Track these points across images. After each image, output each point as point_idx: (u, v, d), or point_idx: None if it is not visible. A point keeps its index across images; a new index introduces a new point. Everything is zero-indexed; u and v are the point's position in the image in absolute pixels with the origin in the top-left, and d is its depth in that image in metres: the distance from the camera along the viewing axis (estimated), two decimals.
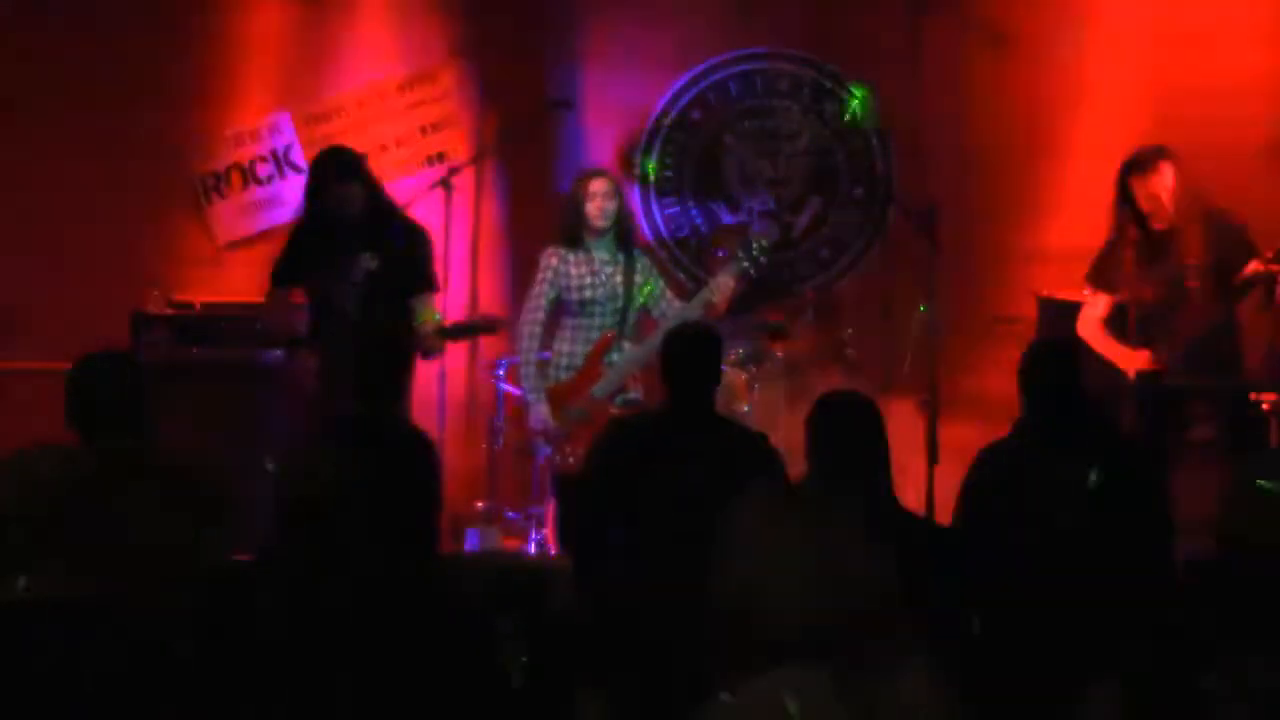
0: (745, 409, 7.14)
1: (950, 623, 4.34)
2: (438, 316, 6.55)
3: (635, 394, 6.66)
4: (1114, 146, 6.87)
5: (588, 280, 6.62)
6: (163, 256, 7.84)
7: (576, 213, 6.63)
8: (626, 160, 8.33)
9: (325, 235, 6.44)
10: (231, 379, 7.28)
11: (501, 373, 7.37)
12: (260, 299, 7.04)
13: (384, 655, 3.48)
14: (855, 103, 6.47)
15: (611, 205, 6.63)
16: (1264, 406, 6.43)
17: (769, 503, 2.61)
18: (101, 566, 3.72)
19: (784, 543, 2.51)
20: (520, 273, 7.13)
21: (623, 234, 6.69)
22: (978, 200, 7.84)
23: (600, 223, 6.61)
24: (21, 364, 7.75)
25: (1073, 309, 6.72)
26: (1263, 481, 3.40)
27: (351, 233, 6.39)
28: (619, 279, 6.64)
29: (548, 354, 6.70)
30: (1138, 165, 6.54)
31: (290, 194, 8.13)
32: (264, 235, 8.16)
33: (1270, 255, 6.32)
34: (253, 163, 8.37)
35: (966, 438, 6.00)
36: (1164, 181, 6.49)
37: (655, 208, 8.39)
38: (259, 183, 8.37)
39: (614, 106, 8.31)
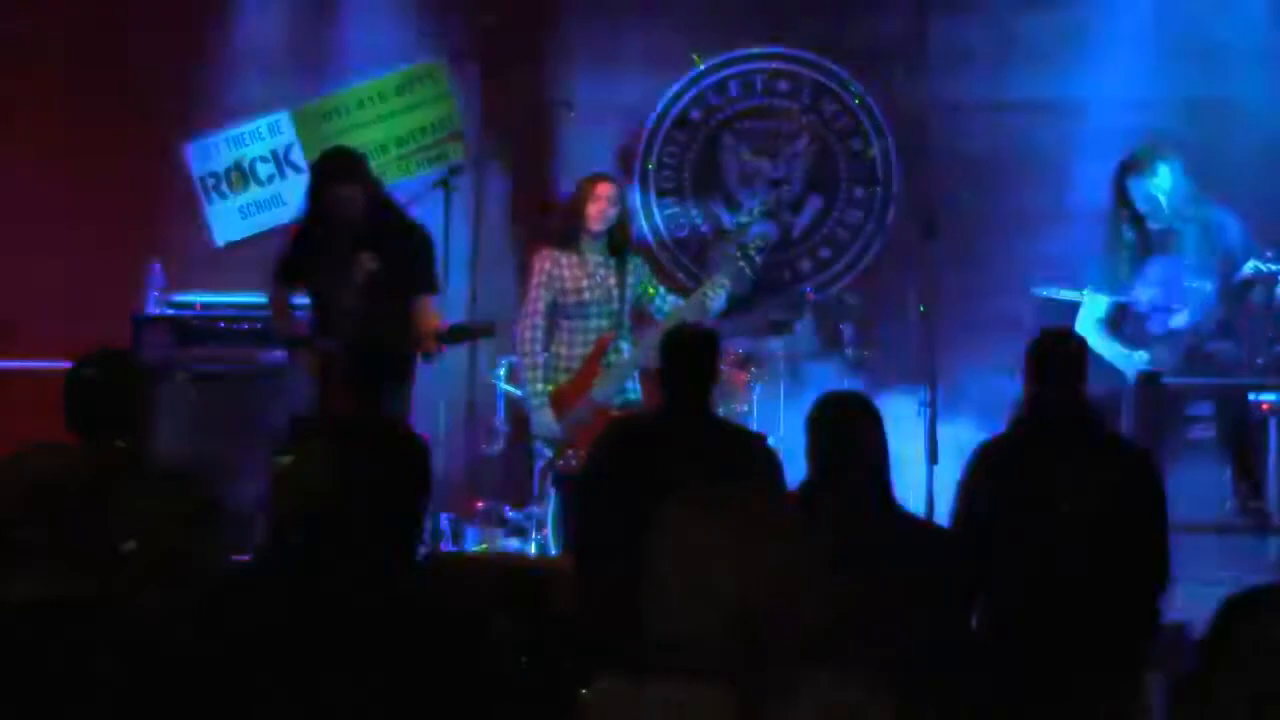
0: (745, 409, 7.14)
1: (949, 622, 4.34)
2: (438, 318, 6.55)
3: (635, 392, 6.66)
4: (1113, 148, 6.87)
5: (584, 282, 6.61)
6: (163, 256, 7.84)
7: (576, 213, 6.63)
8: (626, 160, 8.33)
9: (326, 236, 6.43)
10: (231, 379, 7.28)
11: (501, 373, 7.37)
12: (260, 299, 7.05)
13: (383, 655, 3.48)
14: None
15: (613, 211, 6.63)
16: (1264, 406, 6.44)
17: (698, 504, 2.60)
18: (99, 567, 3.72)
19: (699, 548, 2.50)
20: (520, 273, 7.13)
21: (616, 240, 6.68)
22: (978, 200, 7.83)
23: (599, 226, 6.60)
24: (21, 364, 7.75)
25: (1072, 309, 6.72)
26: None
27: (352, 233, 6.38)
28: (613, 280, 6.64)
29: (544, 354, 6.70)
30: (1135, 165, 6.55)
31: (290, 194, 8.13)
32: (264, 235, 8.16)
33: (1269, 255, 6.33)
34: (253, 163, 8.37)
35: (966, 438, 6.00)
36: (1160, 182, 6.49)
37: (655, 208, 8.39)
38: (259, 183, 8.38)
39: (614, 106, 8.31)
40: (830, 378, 7.03)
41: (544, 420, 6.57)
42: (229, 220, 8.37)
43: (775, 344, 7.49)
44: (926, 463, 6.44)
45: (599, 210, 6.60)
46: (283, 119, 8.36)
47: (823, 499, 4.38)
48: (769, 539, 2.44)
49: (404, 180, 7.97)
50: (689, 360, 4.95)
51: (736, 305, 7.13)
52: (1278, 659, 2.38)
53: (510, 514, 7.34)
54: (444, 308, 6.78)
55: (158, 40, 8.16)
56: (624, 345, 6.65)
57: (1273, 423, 6.55)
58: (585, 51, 8.27)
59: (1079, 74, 7.93)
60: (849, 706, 2.36)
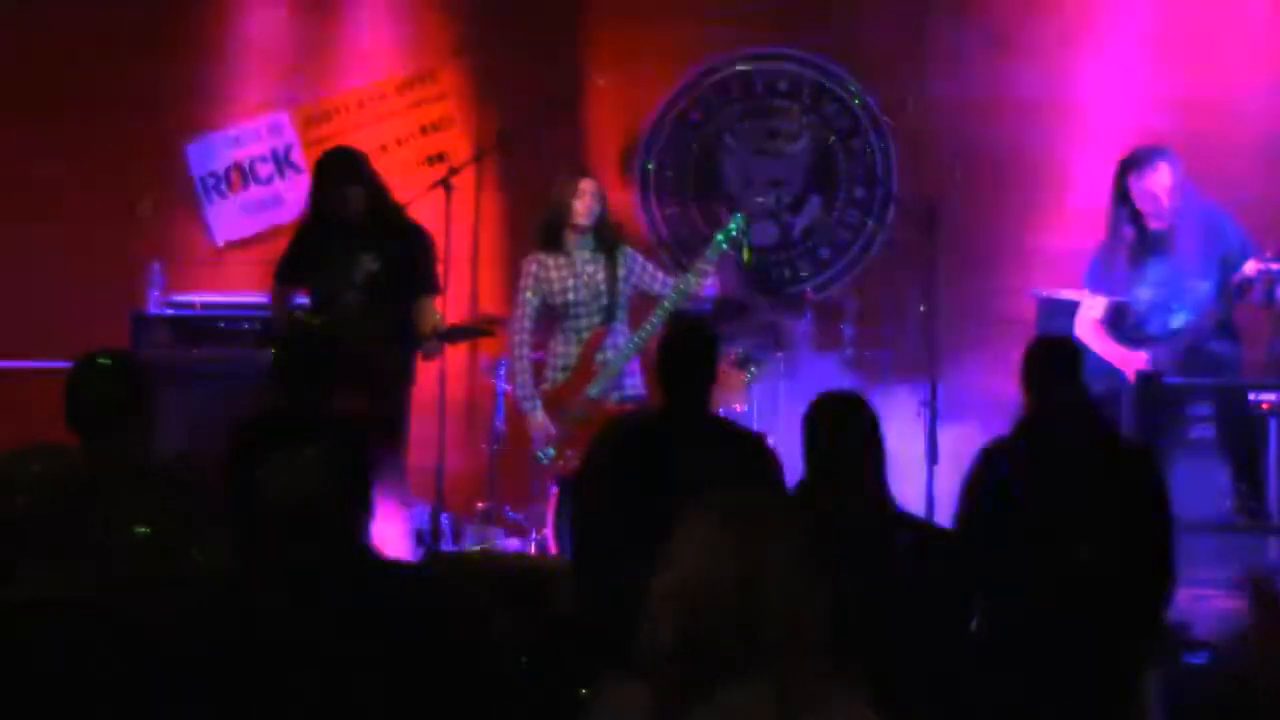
0: (743, 409, 7.14)
1: (949, 622, 4.34)
2: (438, 319, 6.55)
3: (634, 388, 6.66)
4: (1113, 147, 6.87)
5: (569, 283, 6.62)
6: (163, 256, 7.84)
7: (561, 213, 6.64)
8: (626, 160, 8.33)
9: (327, 236, 6.44)
10: (231, 379, 7.27)
11: (502, 373, 7.37)
12: (260, 299, 7.05)
13: (383, 655, 3.48)
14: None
15: (597, 207, 6.64)
16: (1264, 406, 6.44)
17: (725, 509, 2.59)
18: (97, 567, 3.71)
19: (725, 551, 2.50)
20: (520, 272, 7.13)
21: (603, 235, 6.69)
22: (978, 200, 7.83)
23: (585, 220, 6.61)
24: (21, 364, 7.76)
25: (1072, 308, 6.73)
26: None
27: (353, 234, 6.38)
28: (601, 276, 6.64)
29: (541, 354, 6.71)
30: (1135, 164, 6.55)
31: (290, 194, 8.14)
32: (264, 235, 8.16)
33: (1269, 255, 6.33)
34: (253, 163, 8.38)
35: (966, 438, 6.01)
36: (1161, 180, 6.49)
37: (655, 208, 8.39)
38: (259, 183, 8.38)
39: (614, 106, 8.31)
40: (830, 377, 7.03)
41: (539, 422, 6.57)
42: (229, 220, 8.37)
43: (775, 344, 7.49)
44: (927, 463, 6.45)
45: (585, 206, 6.61)
46: (283, 119, 8.36)
47: (820, 499, 4.38)
48: (773, 541, 2.44)
49: (404, 180, 7.97)
50: (688, 360, 4.95)
51: (736, 306, 7.13)
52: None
53: (510, 514, 7.34)
54: (444, 308, 6.79)
55: (158, 40, 8.16)
56: (619, 340, 6.65)
57: (1273, 423, 6.56)
58: (585, 51, 8.27)
59: (1079, 74, 7.93)
60: (848, 709, 2.36)
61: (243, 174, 8.37)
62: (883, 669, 2.71)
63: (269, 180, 8.37)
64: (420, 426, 6.80)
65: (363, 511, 3.68)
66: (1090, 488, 4.59)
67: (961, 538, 4.60)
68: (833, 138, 8.34)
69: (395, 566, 3.93)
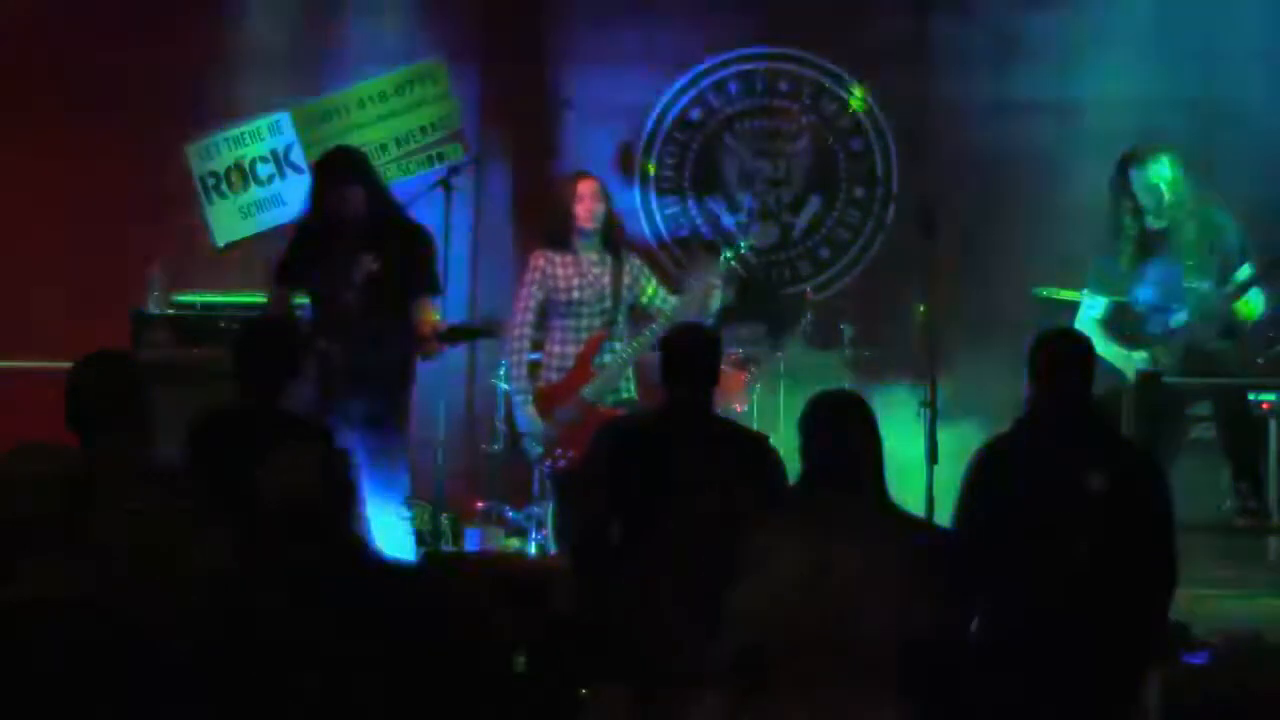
0: (743, 409, 7.13)
1: (950, 623, 4.34)
2: (438, 319, 6.54)
3: (627, 391, 6.66)
4: (1113, 147, 6.87)
5: (575, 281, 6.62)
6: (163, 256, 7.83)
7: (564, 215, 6.64)
8: (626, 160, 8.33)
9: (327, 236, 6.42)
10: (230, 379, 7.26)
11: (501, 373, 7.37)
12: (260, 299, 7.04)
13: (383, 655, 3.48)
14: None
15: (600, 207, 6.63)
16: (1264, 406, 6.44)
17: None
18: (97, 567, 3.71)
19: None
20: (520, 273, 7.13)
21: (609, 236, 6.69)
22: (978, 200, 7.83)
23: (589, 224, 6.61)
24: (21, 364, 7.75)
25: (1072, 309, 6.73)
26: None
27: (353, 234, 6.37)
28: (607, 280, 6.64)
29: (538, 355, 6.70)
30: (1136, 157, 6.55)
31: (290, 194, 8.14)
32: (264, 235, 8.16)
33: (1268, 257, 6.33)
34: (253, 163, 8.38)
35: (966, 438, 6.00)
36: (1163, 172, 6.49)
37: (655, 208, 8.39)
38: (259, 183, 8.38)
39: (614, 106, 8.31)
40: (830, 378, 7.03)
41: (527, 416, 6.57)
42: (229, 220, 8.37)
43: (775, 344, 7.49)
44: (927, 463, 6.44)
45: (587, 209, 6.61)
46: (283, 119, 8.37)
47: (819, 499, 4.38)
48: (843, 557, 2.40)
49: (404, 180, 7.97)
50: (689, 360, 4.94)
51: (736, 306, 7.14)
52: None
53: (510, 514, 7.34)
54: (444, 308, 6.78)
55: (158, 41, 8.16)
56: (617, 345, 6.65)
57: (1273, 423, 6.56)
58: (585, 51, 8.27)
59: (1079, 74, 7.93)
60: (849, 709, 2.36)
61: (243, 174, 8.36)
62: (882, 669, 2.71)
63: (269, 180, 8.37)
64: (420, 426, 6.80)
65: (357, 510, 3.69)
66: (1091, 487, 4.58)
67: (961, 537, 4.59)
68: (832, 138, 8.33)
69: (395, 566, 3.94)
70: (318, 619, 3.51)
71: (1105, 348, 6.51)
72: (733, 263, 6.68)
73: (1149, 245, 6.58)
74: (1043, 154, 7.94)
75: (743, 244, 6.78)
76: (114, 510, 3.95)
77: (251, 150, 8.37)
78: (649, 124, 8.35)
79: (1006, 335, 7.24)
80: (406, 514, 6.24)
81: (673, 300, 6.68)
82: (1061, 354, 4.79)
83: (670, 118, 8.36)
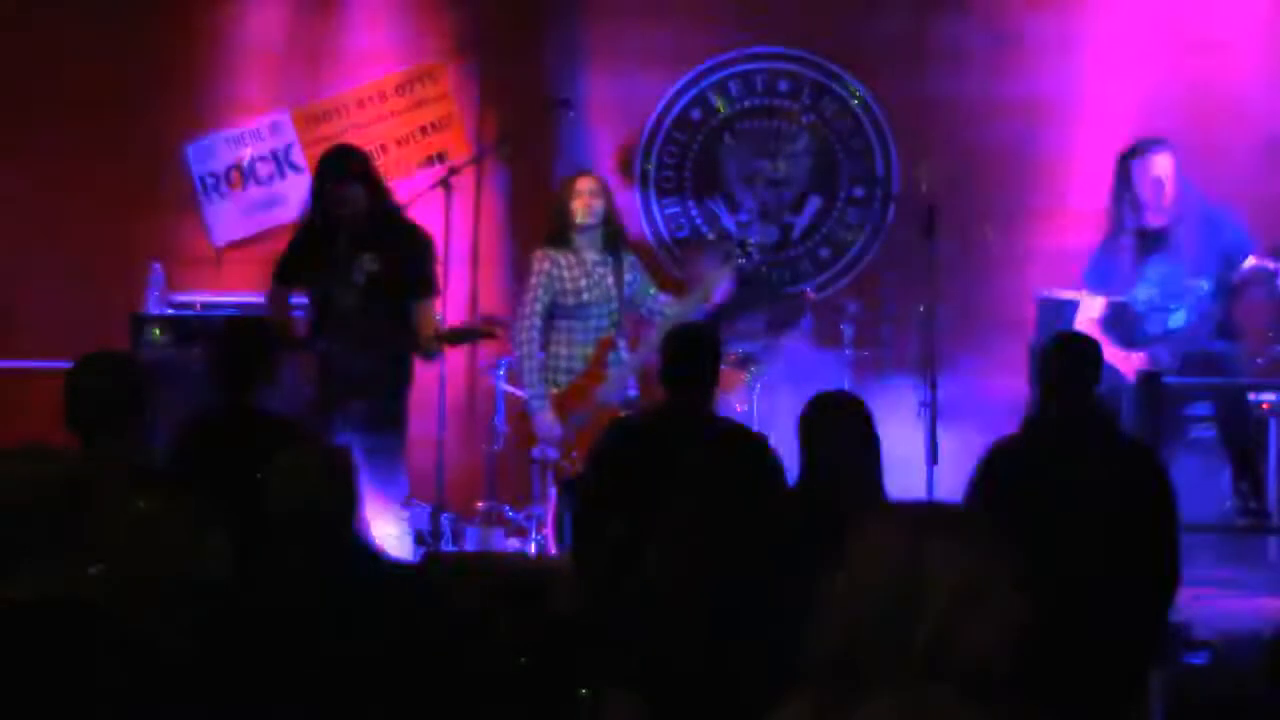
0: (743, 409, 7.13)
1: None
2: (438, 320, 6.54)
3: (634, 389, 6.66)
4: (1113, 147, 6.87)
5: (582, 282, 6.61)
6: (163, 256, 7.84)
7: (563, 212, 6.64)
8: (626, 160, 8.33)
9: (327, 235, 6.42)
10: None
11: (501, 373, 7.37)
12: (260, 299, 7.04)
13: (384, 655, 3.48)
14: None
15: (598, 204, 6.63)
16: (1263, 406, 6.44)
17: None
18: (94, 569, 3.71)
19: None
20: (520, 273, 7.13)
21: (610, 234, 6.68)
22: (978, 200, 7.83)
23: (586, 220, 6.60)
24: (21, 364, 7.75)
25: (1071, 309, 6.72)
26: None
27: (353, 234, 6.37)
28: (611, 280, 6.64)
29: (542, 354, 6.69)
30: (1138, 150, 6.56)
31: (290, 194, 8.13)
32: (264, 235, 8.15)
33: (1268, 252, 6.33)
34: (253, 163, 8.37)
35: (966, 438, 6.00)
36: (1164, 165, 6.49)
37: (655, 208, 8.39)
38: (259, 183, 8.38)
39: (614, 106, 8.31)
40: (830, 378, 7.03)
41: (546, 421, 6.56)
42: (229, 220, 8.37)
43: (775, 344, 7.49)
44: (927, 463, 6.44)
45: (583, 205, 6.60)
46: (283, 119, 8.36)
47: (817, 498, 4.38)
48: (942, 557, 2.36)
49: (404, 180, 7.97)
50: (689, 360, 4.94)
51: (736, 306, 7.13)
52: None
53: (510, 514, 7.34)
54: (444, 308, 6.78)
55: (158, 40, 8.16)
56: (621, 345, 6.64)
57: (1273, 423, 6.56)
58: (585, 51, 8.26)
59: (1078, 74, 7.93)
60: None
61: (243, 174, 8.36)
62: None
63: (269, 180, 8.37)
64: (420, 426, 6.80)
65: (359, 512, 3.69)
66: (1099, 488, 4.58)
67: None
68: (832, 138, 8.33)
69: (395, 566, 3.94)
70: (318, 619, 3.51)
71: (1105, 348, 6.51)
72: (739, 257, 6.67)
73: (1148, 244, 6.58)
74: (1043, 154, 7.94)
75: (750, 239, 6.78)
76: (114, 510, 3.95)
77: (251, 150, 8.37)
78: (649, 124, 8.35)
79: (1006, 335, 7.25)
80: (406, 514, 6.24)
81: (676, 307, 6.67)
82: (1071, 356, 4.80)
83: (670, 117, 8.36)
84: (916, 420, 6.59)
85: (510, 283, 7.87)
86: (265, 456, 3.97)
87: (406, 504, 6.25)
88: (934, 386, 6.59)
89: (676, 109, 8.37)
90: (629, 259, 6.76)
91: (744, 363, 7.24)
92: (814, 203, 8.33)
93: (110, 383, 4.20)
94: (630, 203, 8.20)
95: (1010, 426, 5.01)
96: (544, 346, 6.69)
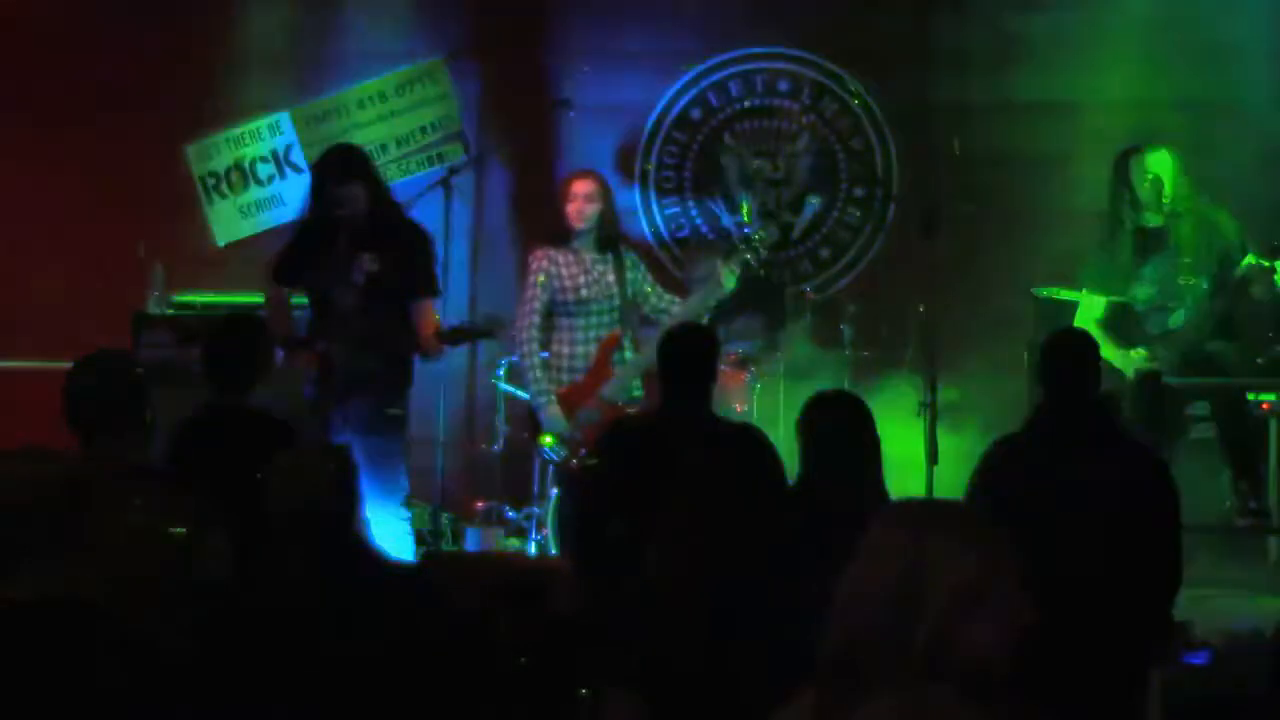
0: (743, 409, 7.13)
1: None
2: (438, 320, 6.54)
3: (639, 389, 6.65)
4: (1113, 148, 6.88)
5: (581, 280, 6.61)
6: (163, 256, 7.84)
7: (560, 213, 6.64)
8: (626, 160, 8.33)
9: (327, 235, 6.42)
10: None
11: (501, 373, 7.37)
12: (260, 299, 7.04)
13: (384, 655, 3.48)
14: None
15: (591, 208, 6.61)
16: (1264, 406, 6.44)
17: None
18: (97, 567, 3.71)
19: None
20: (520, 273, 7.13)
21: (604, 238, 6.68)
22: (978, 200, 7.83)
23: (579, 224, 6.61)
24: (21, 364, 7.76)
25: (1071, 309, 6.73)
26: None
27: (353, 233, 6.37)
28: (611, 277, 6.64)
29: (545, 354, 6.69)
30: (1138, 150, 6.56)
31: (290, 194, 8.14)
32: (264, 235, 8.16)
33: (1266, 252, 6.33)
34: (253, 163, 8.38)
35: (966, 438, 6.00)
36: (1164, 163, 6.50)
37: (655, 208, 8.39)
38: (259, 183, 8.38)
39: (614, 106, 8.31)
40: (830, 377, 7.03)
41: (552, 417, 6.54)
42: (229, 220, 8.37)
43: (774, 343, 7.49)
44: (927, 463, 6.44)
45: (576, 209, 6.60)
46: (283, 119, 8.37)
47: (817, 498, 4.38)
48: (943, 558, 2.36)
49: (404, 180, 7.97)
50: (688, 360, 4.95)
51: (736, 306, 7.13)
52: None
53: (510, 514, 7.34)
54: (444, 308, 6.78)
55: (158, 40, 8.16)
56: (626, 342, 6.64)
57: (1273, 423, 6.56)
58: (585, 51, 8.27)
59: (1079, 74, 7.93)
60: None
61: (243, 174, 8.36)
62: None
63: (269, 180, 8.37)
64: (420, 426, 6.80)
65: (359, 512, 3.69)
66: (1101, 487, 4.59)
67: None
68: (832, 138, 8.34)
69: (395, 566, 3.94)
70: (318, 619, 3.51)
71: (1105, 348, 6.51)
72: (745, 253, 6.66)
73: (1148, 244, 6.58)
74: (1043, 154, 7.94)
75: (756, 236, 6.78)
76: (114, 510, 3.95)
77: (251, 150, 8.37)
78: (649, 124, 8.35)
79: (1006, 335, 7.25)
80: (406, 514, 6.24)
81: (678, 309, 6.66)
82: (1070, 355, 4.80)
83: (670, 117, 8.36)
84: (916, 420, 6.60)
85: (511, 283, 7.87)
86: (261, 456, 3.97)
87: (406, 504, 6.25)
88: (934, 386, 6.59)
89: (676, 109, 8.37)
90: (631, 257, 6.76)
91: (744, 363, 7.24)
92: (814, 203, 8.33)
93: (110, 383, 4.20)
94: (630, 203, 8.20)
95: (1010, 426, 5.01)
96: (545, 345, 6.68)
